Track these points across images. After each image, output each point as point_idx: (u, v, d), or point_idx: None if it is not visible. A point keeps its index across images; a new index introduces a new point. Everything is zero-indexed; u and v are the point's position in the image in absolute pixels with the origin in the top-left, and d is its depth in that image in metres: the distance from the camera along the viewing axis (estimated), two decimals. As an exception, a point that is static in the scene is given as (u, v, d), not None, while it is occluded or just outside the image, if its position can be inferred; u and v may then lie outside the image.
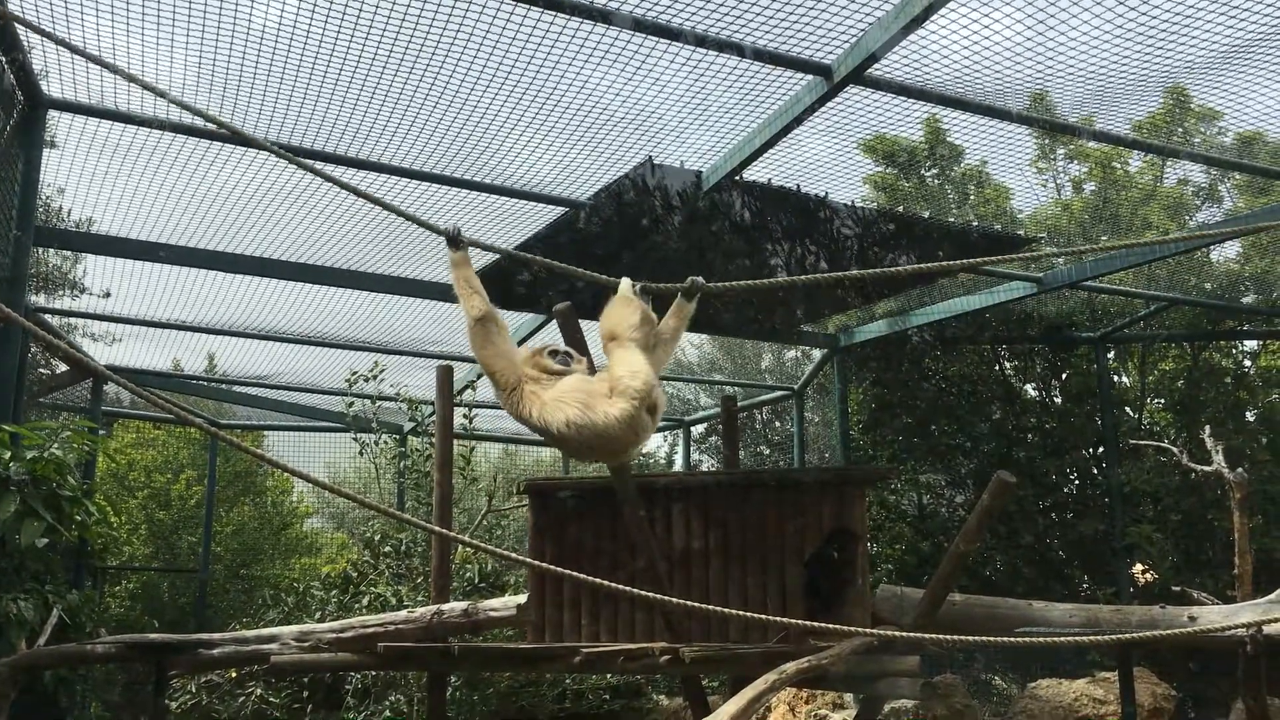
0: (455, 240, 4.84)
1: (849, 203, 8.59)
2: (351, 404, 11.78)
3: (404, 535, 10.82)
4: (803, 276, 10.33)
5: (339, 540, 16.85)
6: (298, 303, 10.10)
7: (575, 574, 4.06)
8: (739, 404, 12.94)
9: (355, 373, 11.69)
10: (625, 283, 4.82)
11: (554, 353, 4.61)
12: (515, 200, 8.11)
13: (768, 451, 16.83)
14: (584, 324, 7.31)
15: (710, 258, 9.39)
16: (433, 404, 9.64)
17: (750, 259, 9.43)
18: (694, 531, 8.13)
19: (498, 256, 9.13)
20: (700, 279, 4.99)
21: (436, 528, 4.41)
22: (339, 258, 9.00)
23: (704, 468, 18.15)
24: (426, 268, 9.29)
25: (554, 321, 8.96)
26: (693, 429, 16.63)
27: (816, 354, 13.34)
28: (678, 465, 19.95)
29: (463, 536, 4.35)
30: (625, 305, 4.59)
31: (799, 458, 13.25)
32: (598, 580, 4.10)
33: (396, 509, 13.12)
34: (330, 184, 7.48)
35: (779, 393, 14.26)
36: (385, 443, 12.19)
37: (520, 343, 11.41)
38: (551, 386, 4.39)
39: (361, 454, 12.01)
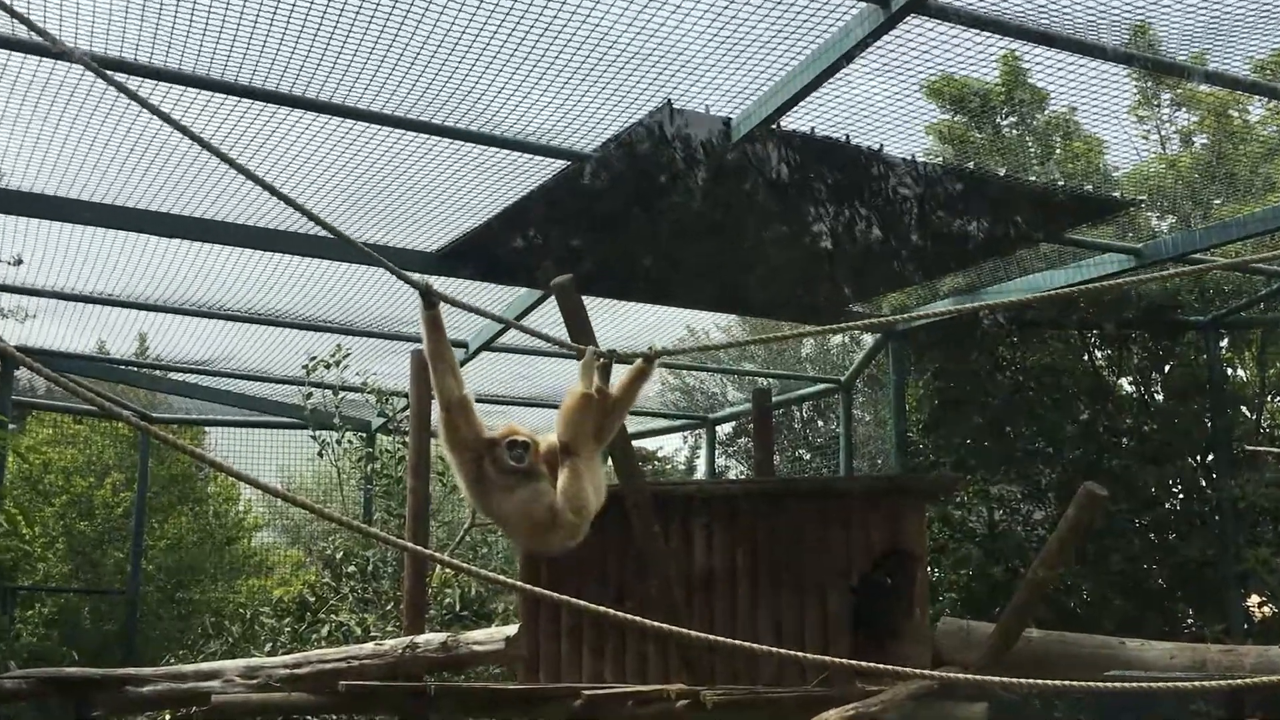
0: (427, 297, 5.10)
1: (909, 157, 8.57)
2: (310, 395, 11.84)
3: (371, 553, 10.88)
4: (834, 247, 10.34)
5: (294, 558, 16.96)
6: (247, 274, 10.15)
7: (575, 601, 4.07)
8: (774, 399, 12.96)
9: (315, 358, 11.75)
10: (586, 364, 5.40)
11: (512, 445, 5.20)
12: (506, 152, 8.11)
13: (808, 456, 16.85)
14: (589, 301, 7.33)
15: (739, 222, 9.39)
16: (406, 395, 9.67)
17: (788, 224, 9.43)
18: (718, 550, 8.15)
19: (474, 226, 9.17)
20: (659, 348, 5.60)
21: (410, 544, 4.45)
22: (297, 220, 9.03)
23: (731, 475, 18.19)
24: (403, 234, 9.32)
25: (551, 298, 9.00)
26: (718, 428, 16.68)
27: (868, 340, 13.31)
28: (700, 471, 20.01)
29: (441, 555, 4.38)
30: (581, 410, 5.25)
31: (845, 463, 13.27)
32: (602, 608, 4.12)
33: (362, 521, 13.18)
34: (287, 130, 7.47)
35: (822, 386, 14.25)
36: (350, 442, 12.25)
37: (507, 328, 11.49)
38: (509, 493, 5.17)
39: (321, 455, 12.09)
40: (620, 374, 5.51)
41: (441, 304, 5.15)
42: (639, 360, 5.53)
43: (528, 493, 5.16)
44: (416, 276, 5.17)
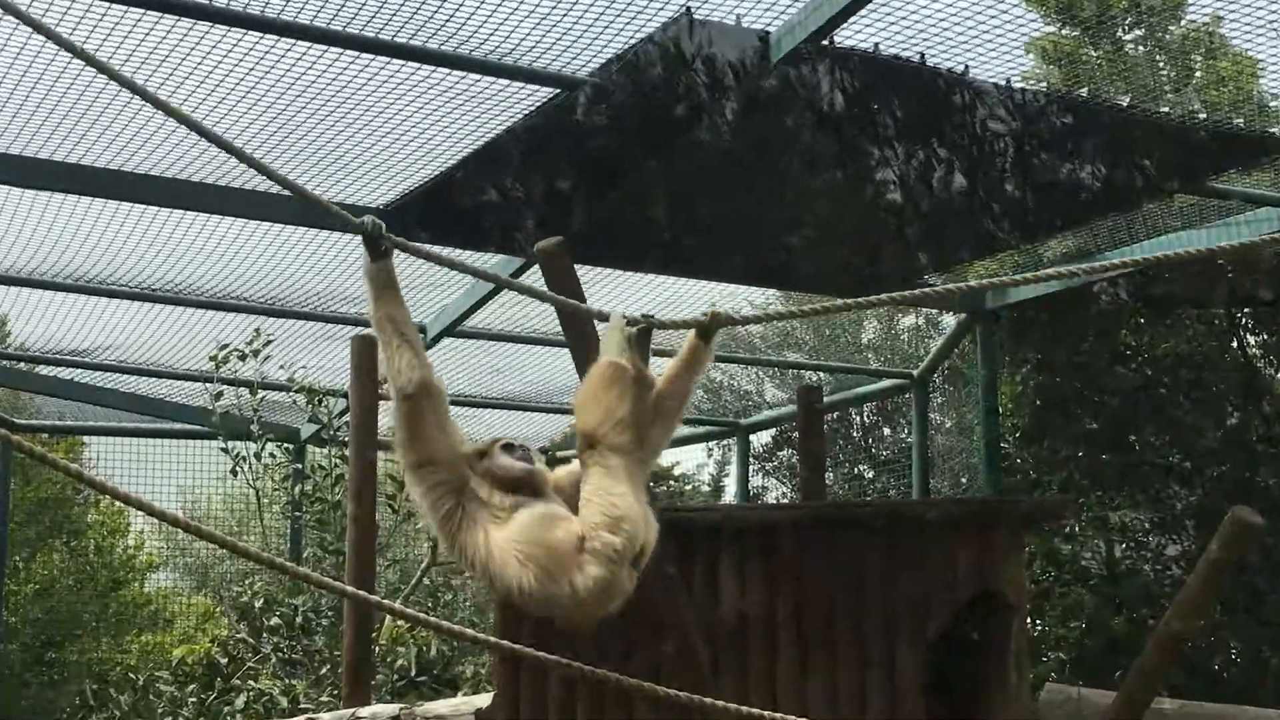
0: (374, 241, 4.80)
1: (1002, 82, 8.56)
2: (220, 395, 11.85)
3: (301, 600, 10.91)
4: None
5: (200, 607, 17.01)
6: (136, 238, 10.15)
7: (567, 661, 4.08)
8: (825, 398, 12.95)
9: (226, 347, 11.76)
10: (614, 332, 4.95)
11: (509, 447, 4.84)
12: (475, 77, 8.11)
13: (870, 473, 16.85)
14: (583, 271, 7.34)
15: (780, 168, 9.38)
16: (346, 396, 9.66)
17: (843, 171, 9.42)
18: (754, 596, 8.13)
19: (439, 171, 9.18)
20: (723, 312, 5.18)
21: (350, 589, 4.45)
22: (203, 167, 9.05)
23: (770, 497, 18.19)
24: (340, 183, 9.33)
25: (534, 267, 8.99)
26: (753, 437, 16.69)
27: (949, 321, 13.29)
28: (729, 493, 20.00)
29: (392, 603, 4.39)
30: (611, 383, 4.82)
31: (920, 483, 13.27)
32: (602, 672, 4.13)
33: (289, 559, 13.21)
34: (188, 49, 7.50)
35: (888, 382, 14.24)
36: (272, 456, 12.27)
37: (480, 306, 11.52)
38: (504, 519, 4.69)
39: (235, 473, 12.09)
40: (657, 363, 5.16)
41: (396, 254, 4.79)
42: (691, 334, 5.12)
43: (537, 514, 4.67)
44: (362, 218, 4.73)
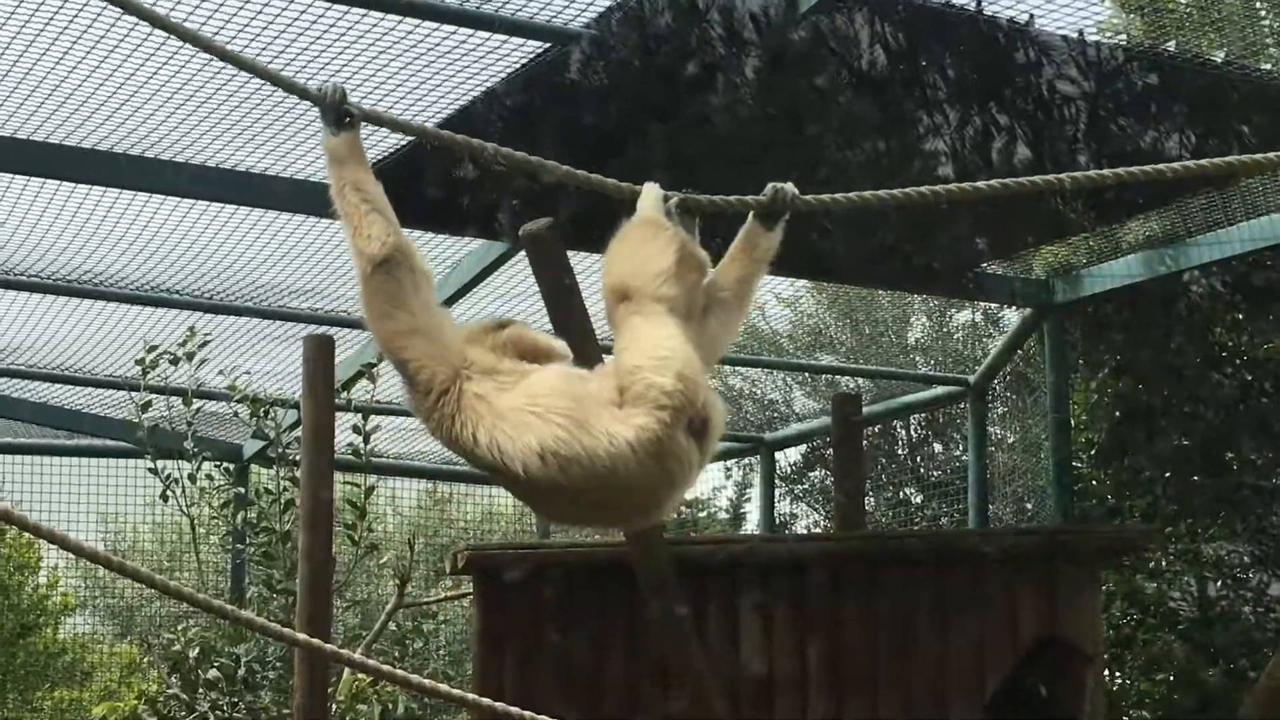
0: (336, 113, 4.73)
1: (1074, 34, 8.56)
2: (147, 406, 11.84)
3: (244, 649, 10.90)
4: (994, 182, 10.20)
5: (125, 657, 17.00)
6: (48, 221, 10.16)
7: (558, 721, 4.10)
8: (865, 409, 12.93)
9: (154, 349, 11.75)
10: (651, 192, 4.65)
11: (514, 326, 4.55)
12: (450, 29, 8.11)
13: (918, 499, 16.83)
14: (578, 259, 7.34)
15: (810, 136, 9.38)
16: (296, 406, 9.65)
17: (886, 138, 9.42)
18: (781, 645, 8.12)
19: (405, 141, 9.17)
20: (789, 187, 4.81)
21: (302, 636, 4.45)
22: (128, 137, 9.06)
23: (799, 527, 18.16)
24: (290, 157, 9.33)
25: (521, 254, 8.99)
26: (779, 455, 16.66)
27: (1011, 318, 13.25)
28: (751, 522, 19.94)
29: (351, 653, 4.39)
30: (649, 237, 4.44)
31: (976, 509, 13.25)
32: (599, 733, 4.13)
33: (230, 599, 13.19)
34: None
35: (940, 390, 14.22)
36: (209, 478, 12.24)
37: (453, 302, 11.49)
38: (512, 386, 4.25)
39: (166, 498, 12.07)
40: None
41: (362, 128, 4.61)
42: (750, 218, 4.77)
43: (557, 369, 4.28)
44: (320, 85, 4.62)
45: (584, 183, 4.97)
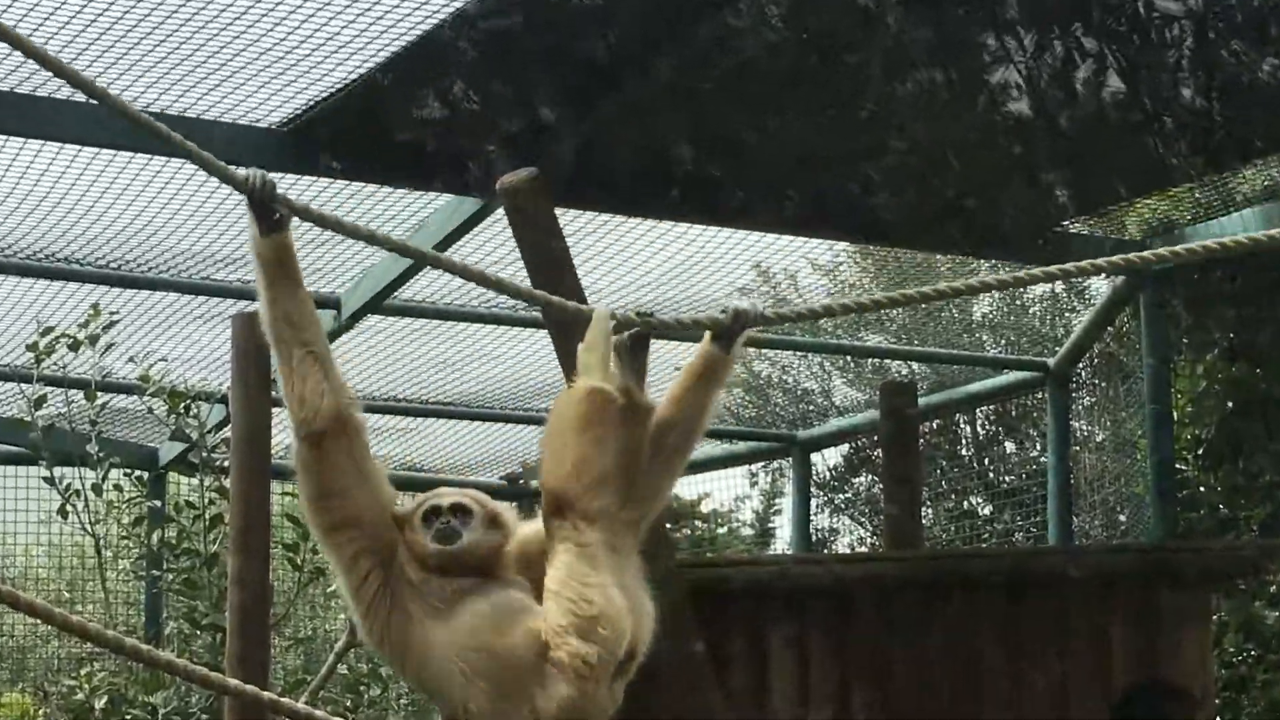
0: (264, 206, 4.90)
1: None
2: (41, 402, 11.89)
3: (160, 698, 10.96)
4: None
5: (17, 707, 17.07)
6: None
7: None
8: (921, 401, 12.96)
9: (49, 331, 11.79)
10: (597, 330, 5.13)
11: (431, 514, 5.00)
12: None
13: (987, 509, 16.86)
14: (567, 218, 7.39)
15: (852, 68, 9.41)
16: (224, 400, 9.70)
17: (944, 70, 9.44)
18: (820, 688, 8.15)
19: (355, 74, 9.21)
20: (747, 307, 5.19)
21: (234, 682, 4.50)
22: (18, 71, 9.08)
23: (841, 545, 18.18)
24: (219, 95, 9.35)
25: (498, 212, 9.03)
26: (815, 457, 16.67)
27: (1100, 288, 13.27)
28: (782, 540, 19.93)
29: (293, 703, 4.46)
30: (589, 422, 4.97)
31: (1058, 523, 13.30)
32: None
33: (144, 638, 13.22)
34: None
35: (1013, 376, 14.24)
36: (118, 489, 12.29)
37: (415, 272, 11.48)
38: (444, 611, 4.90)
39: (65, 514, 12.13)
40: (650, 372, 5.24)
41: (293, 222, 4.96)
42: (706, 338, 5.21)
43: (485, 610, 4.89)
44: (245, 172, 4.87)
45: (529, 299, 5.43)
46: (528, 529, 5.13)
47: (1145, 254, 5.53)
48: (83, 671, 11.92)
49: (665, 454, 5.16)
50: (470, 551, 4.94)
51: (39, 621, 16.61)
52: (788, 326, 14.46)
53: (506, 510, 5.16)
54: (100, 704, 11.14)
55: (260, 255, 4.95)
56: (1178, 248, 5.01)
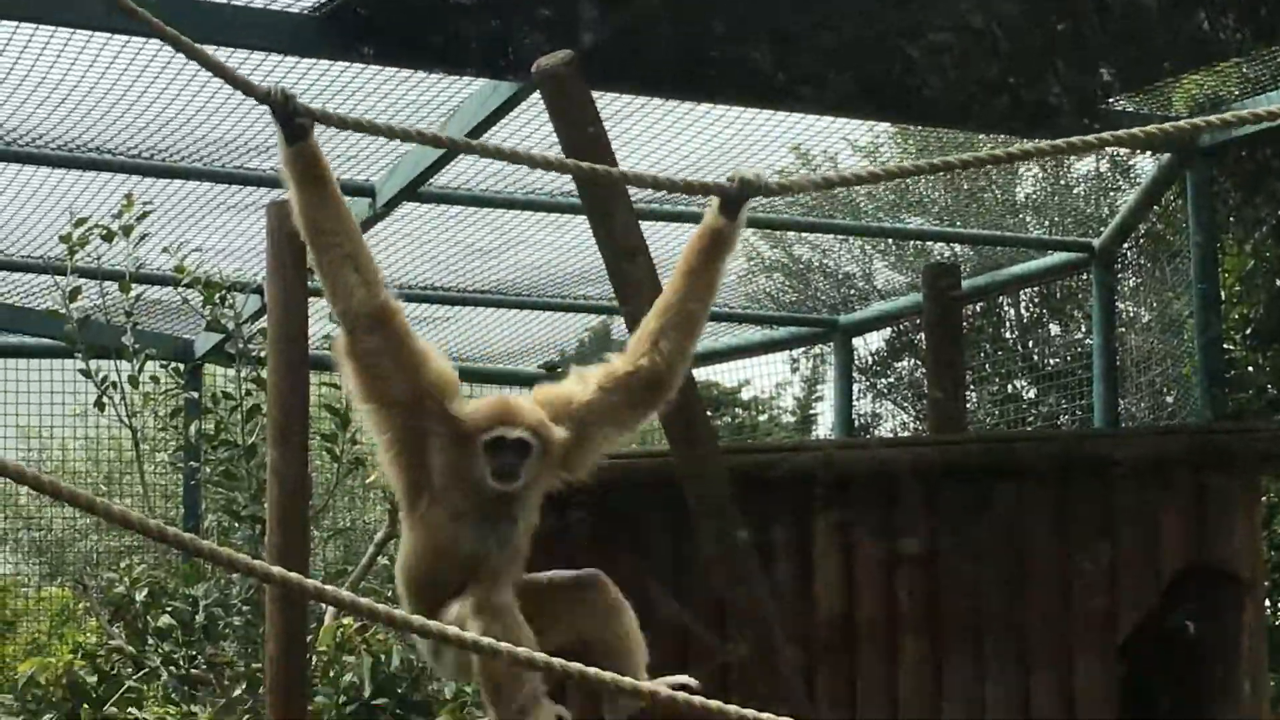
0: (288, 117, 5.01)
1: None
2: (76, 294, 11.86)
3: (202, 590, 10.98)
4: None
5: (58, 602, 17.15)
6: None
7: (594, 671, 4.11)
8: (964, 283, 12.89)
9: (83, 222, 11.75)
10: None
11: (498, 445, 5.36)
12: None
13: (1031, 393, 16.81)
14: (605, 101, 7.32)
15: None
16: (260, 290, 9.66)
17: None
18: (865, 576, 8.15)
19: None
20: (752, 176, 5.23)
21: (277, 569, 4.46)
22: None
23: (884, 430, 18.16)
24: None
25: (534, 97, 8.96)
26: (857, 342, 16.63)
27: (1145, 166, 13.18)
28: (824, 426, 19.93)
29: (337, 590, 4.40)
30: None
31: (1104, 405, 13.24)
32: (645, 684, 4.15)
33: (183, 529, 13.24)
34: None
35: (1057, 257, 14.16)
36: (155, 381, 12.29)
37: (449, 159, 11.44)
38: (441, 522, 5.49)
39: (102, 407, 12.13)
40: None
41: (317, 128, 5.07)
42: (709, 209, 5.40)
43: (488, 539, 5.43)
44: (269, 87, 4.97)
45: (565, 169, 5.34)
46: (552, 390, 5.53)
47: (1192, 120, 5.42)
48: (121, 565, 11.95)
49: (680, 324, 5.42)
50: (516, 497, 5.37)
51: (77, 516, 16.81)
52: (828, 209, 14.40)
53: (556, 432, 5.37)
54: (141, 596, 11.17)
55: (287, 163, 5.11)
56: (1226, 115, 4.92)
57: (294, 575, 4.24)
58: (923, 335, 12.73)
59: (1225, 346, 12.35)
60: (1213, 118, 5.32)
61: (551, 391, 5.54)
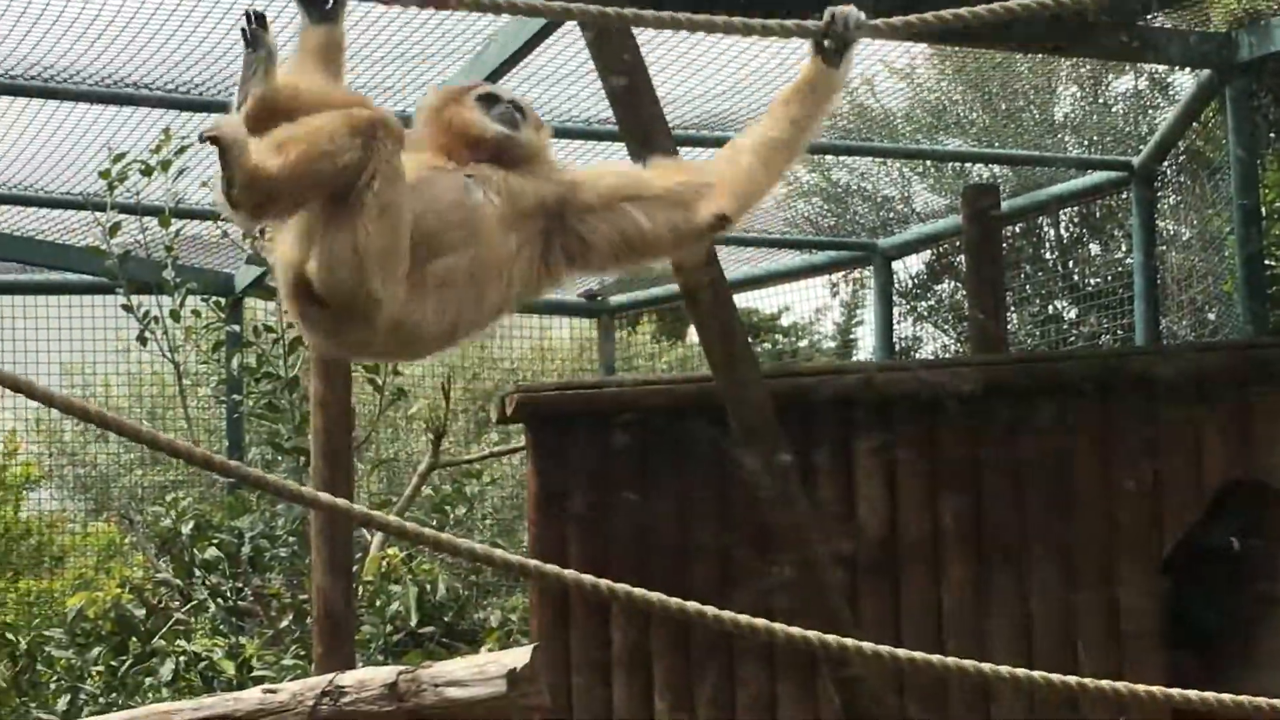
0: None
1: None
2: (116, 229, 11.88)
3: (247, 522, 11.02)
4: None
5: (103, 537, 17.21)
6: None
7: (640, 592, 4.12)
8: (1004, 204, 12.85)
9: (121, 157, 11.76)
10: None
11: (488, 99, 4.94)
12: None
13: (1073, 313, 16.74)
14: (644, 36, 7.26)
15: None
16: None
17: None
18: (907, 498, 8.16)
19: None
20: (850, 10, 4.89)
21: (323, 496, 4.47)
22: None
23: (925, 352, 18.10)
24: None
25: (569, 27, 8.93)
26: (897, 265, 16.57)
27: (1184, 82, 13.10)
28: (865, 349, 19.87)
29: (384, 515, 4.43)
30: None
31: (1146, 324, 13.20)
32: (691, 605, 4.17)
33: (228, 457, 13.30)
34: None
35: (1097, 176, 14.09)
36: (196, 315, 12.30)
37: (498, 76, 11.41)
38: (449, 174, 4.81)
39: (144, 341, 12.15)
40: None
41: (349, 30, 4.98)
42: (808, 53, 4.98)
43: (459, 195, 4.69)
44: None
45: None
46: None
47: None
48: (167, 499, 11.98)
49: (760, 150, 4.98)
50: (521, 145, 4.85)
51: (122, 450, 16.84)
52: (864, 131, 14.33)
53: (545, 126, 5.08)
54: (186, 530, 11.20)
55: (303, 47, 4.94)
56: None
57: (340, 501, 4.27)
58: (963, 257, 12.69)
59: (1266, 263, 12.27)
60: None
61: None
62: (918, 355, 17.62)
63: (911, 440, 8.25)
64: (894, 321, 16.10)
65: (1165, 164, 13.62)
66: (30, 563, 16.20)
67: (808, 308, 22.15)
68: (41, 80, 11.33)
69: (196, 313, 12.18)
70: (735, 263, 15.30)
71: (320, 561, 8.23)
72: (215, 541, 11.03)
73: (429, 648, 10.18)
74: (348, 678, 7.97)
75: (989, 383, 8.32)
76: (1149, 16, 11.46)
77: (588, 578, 4.11)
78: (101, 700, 10.24)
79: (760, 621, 4.08)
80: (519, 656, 7.98)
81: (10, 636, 11.69)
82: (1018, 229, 16.48)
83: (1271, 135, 12.53)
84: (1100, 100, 15.14)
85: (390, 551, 10.68)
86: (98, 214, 12.05)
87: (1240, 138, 12.00)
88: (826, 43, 4.93)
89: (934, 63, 14.67)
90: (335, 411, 8.32)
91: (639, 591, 4.04)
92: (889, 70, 14.28)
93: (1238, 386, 8.18)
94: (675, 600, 4.10)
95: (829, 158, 15.56)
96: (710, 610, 4.09)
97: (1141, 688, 4.11)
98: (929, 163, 15.72)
